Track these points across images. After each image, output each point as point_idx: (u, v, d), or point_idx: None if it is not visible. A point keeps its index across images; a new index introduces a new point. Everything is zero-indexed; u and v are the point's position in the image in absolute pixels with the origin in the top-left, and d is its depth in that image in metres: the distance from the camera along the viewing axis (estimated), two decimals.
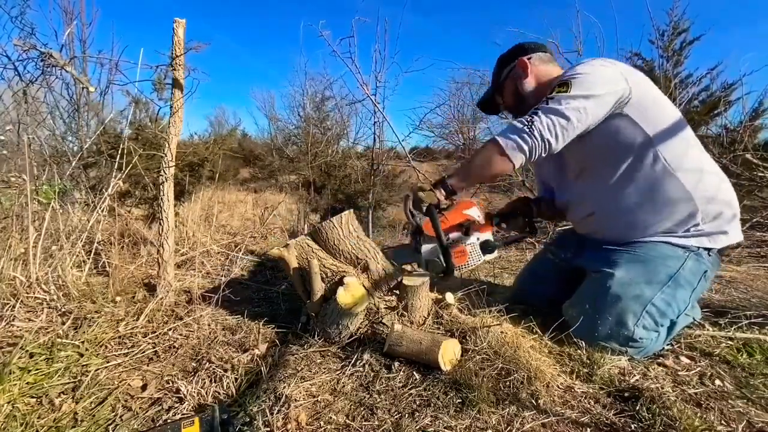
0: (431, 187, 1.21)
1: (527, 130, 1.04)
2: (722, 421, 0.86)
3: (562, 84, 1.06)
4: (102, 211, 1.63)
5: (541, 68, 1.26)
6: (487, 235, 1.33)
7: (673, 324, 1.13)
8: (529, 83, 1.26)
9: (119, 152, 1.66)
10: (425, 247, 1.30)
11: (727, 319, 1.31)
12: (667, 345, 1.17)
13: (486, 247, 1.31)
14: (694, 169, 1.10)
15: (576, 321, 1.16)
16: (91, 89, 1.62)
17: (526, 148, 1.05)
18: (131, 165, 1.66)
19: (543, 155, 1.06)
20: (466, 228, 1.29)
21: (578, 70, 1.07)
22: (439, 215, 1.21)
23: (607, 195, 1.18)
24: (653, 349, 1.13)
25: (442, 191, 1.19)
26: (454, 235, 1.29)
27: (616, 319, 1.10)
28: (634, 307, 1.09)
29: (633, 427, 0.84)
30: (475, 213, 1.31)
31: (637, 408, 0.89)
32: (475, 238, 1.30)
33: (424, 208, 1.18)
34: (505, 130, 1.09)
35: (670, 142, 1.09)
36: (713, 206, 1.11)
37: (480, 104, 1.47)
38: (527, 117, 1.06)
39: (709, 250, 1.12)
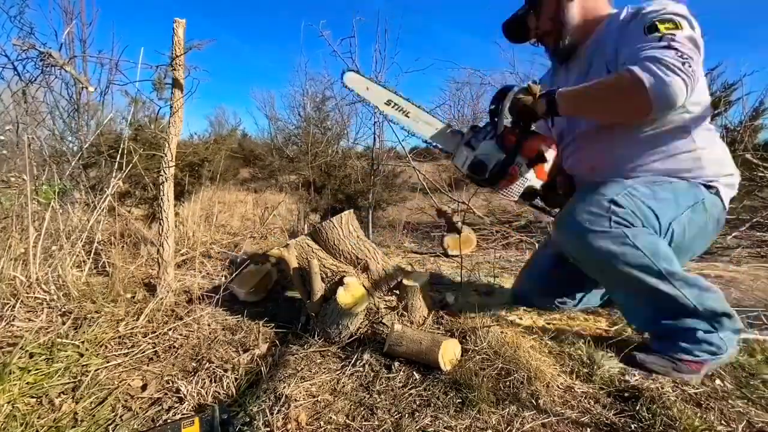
0: (537, 97, 1.06)
1: (686, 64, 0.86)
2: (722, 421, 0.86)
3: (673, 23, 0.92)
4: (102, 211, 1.63)
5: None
6: (538, 183, 1.17)
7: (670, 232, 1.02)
8: (575, 10, 1.08)
9: (119, 152, 1.66)
10: (485, 144, 1.13)
11: None
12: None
13: (527, 194, 1.17)
14: (708, 129, 1.07)
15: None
16: (91, 89, 1.62)
17: (678, 89, 0.86)
18: (131, 165, 1.66)
19: (683, 100, 0.89)
20: (536, 160, 1.14)
21: (674, 10, 0.95)
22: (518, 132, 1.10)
23: (628, 137, 1.05)
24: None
25: (545, 106, 1.04)
26: (521, 158, 1.13)
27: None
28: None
29: (633, 427, 0.84)
30: (551, 155, 1.15)
31: (637, 408, 0.89)
32: (530, 175, 1.15)
33: (515, 113, 1.06)
34: (655, 64, 0.88)
35: (700, 96, 1.02)
36: (719, 167, 1.07)
37: (506, 25, 1.20)
38: (678, 52, 0.88)
39: (719, 195, 1.06)
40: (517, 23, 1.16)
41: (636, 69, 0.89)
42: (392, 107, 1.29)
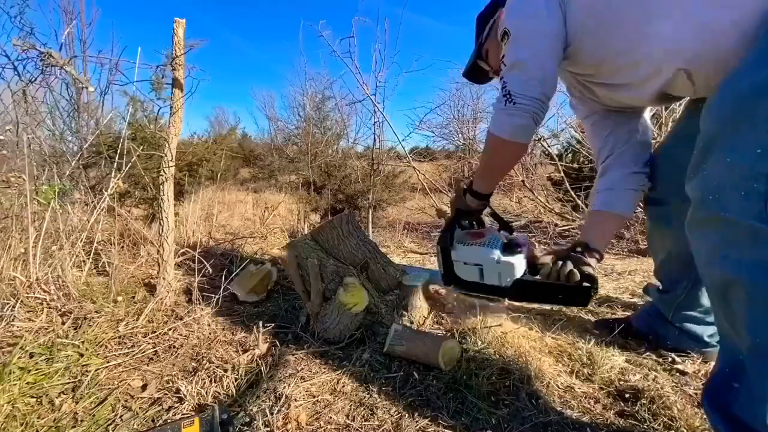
0: (462, 193, 1.11)
1: (511, 105, 0.90)
2: None
3: (503, 35, 0.92)
4: (102, 211, 1.63)
5: None
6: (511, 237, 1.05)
7: None
8: None
9: (118, 152, 1.66)
10: (459, 252, 1.03)
11: None
12: None
13: (507, 246, 0.98)
14: None
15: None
16: (91, 89, 1.62)
17: (523, 120, 0.90)
18: (130, 165, 1.66)
19: (547, 105, 0.91)
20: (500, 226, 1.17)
21: (508, 20, 0.93)
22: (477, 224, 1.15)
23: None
24: None
25: (474, 200, 1.10)
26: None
27: None
28: None
29: (633, 428, 0.84)
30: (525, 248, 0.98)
31: (637, 408, 0.89)
32: (501, 235, 1.03)
33: (451, 214, 1.11)
34: (493, 119, 0.95)
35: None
36: None
37: (465, 74, 1.24)
38: (501, 92, 0.92)
39: None
40: (474, 70, 1.19)
41: (490, 128, 0.97)
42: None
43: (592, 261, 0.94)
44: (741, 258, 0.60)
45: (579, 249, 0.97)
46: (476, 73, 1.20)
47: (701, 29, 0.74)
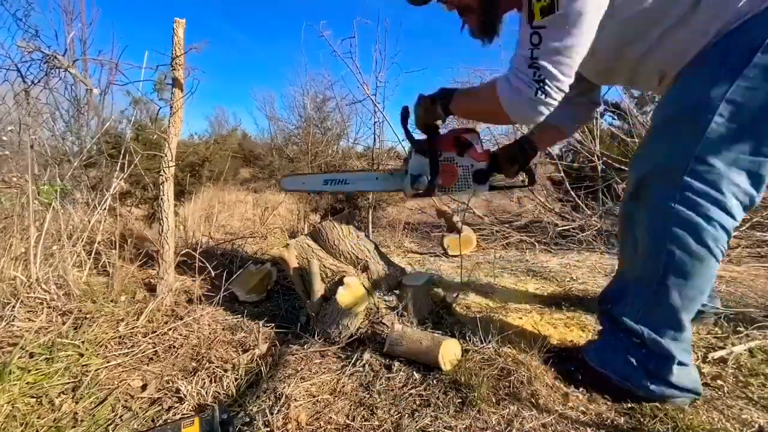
0: (431, 103, 1.10)
1: (542, 96, 0.84)
2: (722, 421, 0.86)
3: (549, 5, 0.77)
4: (103, 211, 1.64)
5: None
6: (482, 165, 1.21)
7: None
8: None
9: (120, 152, 1.66)
10: (413, 161, 1.20)
11: (726, 319, 1.31)
12: None
13: (479, 177, 1.20)
14: None
15: None
16: (95, 91, 1.62)
17: (540, 114, 0.88)
18: (132, 165, 1.66)
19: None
20: (462, 148, 1.20)
21: None
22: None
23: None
24: None
25: (440, 110, 1.09)
26: (448, 153, 1.20)
27: None
28: None
29: (633, 427, 0.84)
30: (475, 140, 1.21)
31: (637, 408, 0.89)
32: (469, 163, 1.21)
33: (422, 126, 1.14)
34: (512, 87, 0.87)
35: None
36: None
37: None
38: (532, 76, 0.83)
39: None
40: None
41: (498, 84, 0.91)
42: (330, 185, 1.37)
43: (532, 154, 1.25)
44: (655, 225, 0.87)
45: (527, 144, 1.25)
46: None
47: (685, 38, 0.85)
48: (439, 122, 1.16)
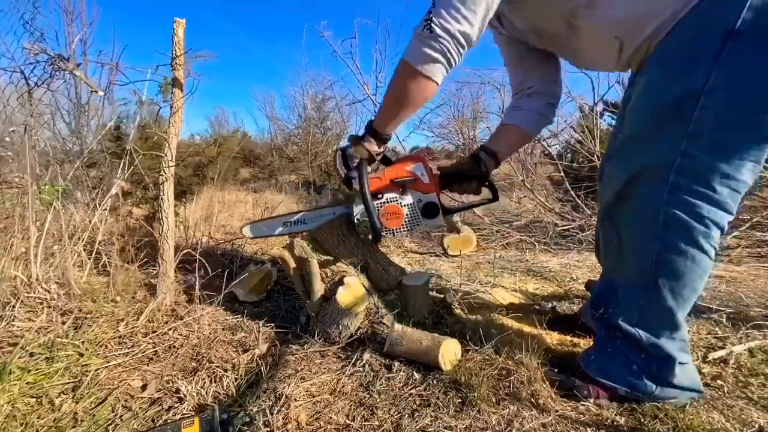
0: (359, 139, 1.08)
1: (428, 32, 0.87)
2: (722, 421, 0.86)
3: None
4: (104, 211, 1.63)
5: None
6: (431, 197, 1.15)
7: None
8: None
9: (124, 153, 1.66)
10: (356, 207, 1.17)
11: (727, 319, 1.31)
12: None
13: (428, 211, 1.14)
14: None
15: None
16: (100, 93, 1.63)
17: (437, 55, 0.88)
18: (134, 165, 1.66)
19: (464, 50, 0.91)
20: (404, 185, 1.13)
21: None
22: (374, 172, 1.11)
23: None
24: None
25: (372, 140, 1.06)
26: (390, 194, 1.14)
27: None
28: None
29: (633, 427, 0.84)
30: (419, 170, 1.14)
31: (638, 408, 0.89)
32: (414, 199, 1.15)
33: (354, 164, 1.06)
34: (408, 45, 0.93)
35: None
36: None
37: None
38: (424, 17, 0.89)
39: None
40: None
41: (404, 56, 0.93)
42: (289, 226, 1.38)
43: (490, 165, 1.21)
44: (643, 226, 0.85)
45: (483, 153, 1.20)
46: None
47: (646, 7, 0.83)
48: (375, 156, 1.09)
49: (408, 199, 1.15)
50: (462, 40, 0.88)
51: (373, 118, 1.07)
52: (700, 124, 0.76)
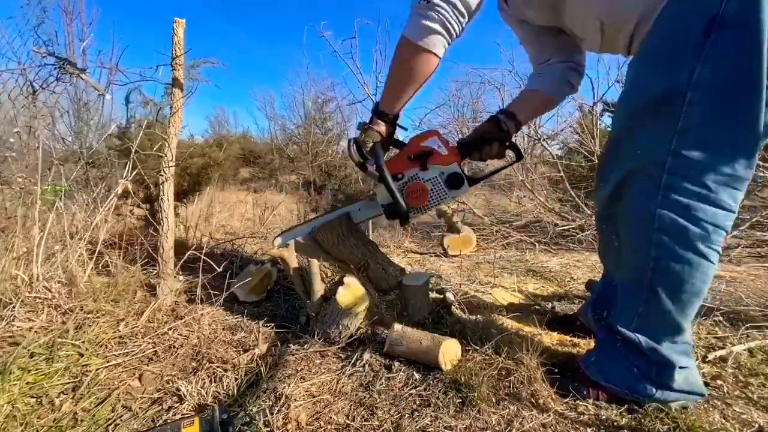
0: (368, 124, 1.06)
1: (425, 3, 0.86)
2: (722, 421, 0.86)
3: None
4: (108, 212, 1.63)
5: None
6: (453, 168, 1.12)
7: None
8: None
9: (126, 153, 1.66)
10: (378, 190, 1.13)
11: (726, 318, 1.31)
12: None
13: (453, 182, 1.11)
14: None
15: None
16: (108, 96, 1.63)
17: (437, 26, 0.86)
18: (138, 167, 1.66)
19: (465, 20, 0.89)
20: (423, 161, 1.10)
21: None
22: (389, 154, 1.10)
23: None
24: None
25: (380, 122, 1.04)
26: (410, 172, 1.11)
27: None
28: None
29: (633, 427, 0.84)
30: (435, 143, 1.11)
31: (638, 408, 0.89)
32: (436, 173, 1.12)
33: (368, 149, 1.03)
34: (407, 20, 0.91)
35: None
36: None
37: None
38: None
39: None
40: None
41: (404, 31, 0.91)
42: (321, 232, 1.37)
43: (511, 126, 1.15)
44: (637, 230, 0.84)
45: (503, 116, 1.16)
46: None
47: None
48: (383, 137, 1.07)
49: (429, 173, 1.11)
50: (460, 6, 0.86)
51: (377, 101, 1.06)
52: (688, 120, 0.73)
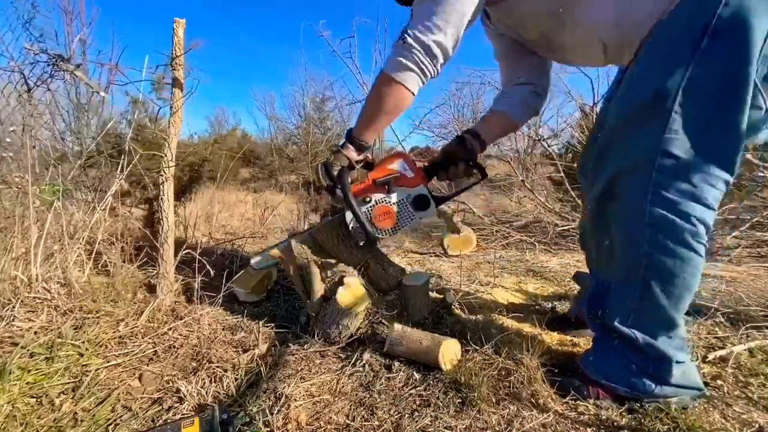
0: (339, 148, 1.10)
1: (402, 42, 0.91)
2: (722, 421, 0.86)
3: None
4: (104, 211, 1.63)
5: None
6: (419, 190, 1.15)
7: None
8: None
9: (121, 152, 1.66)
10: (347, 216, 1.15)
11: (727, 319, 1.31)
12: None
13: (419, 204, 1.14)
14: None
15: None
16: (103, 94, 1.63)
17: (410, 64, 0.91)
18: (131, 165, 1.66)
19: (438, 61, 0.93)
20: (388, 184, 1.13)
21: None
22: (359, 178, 1.12)
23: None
24: None
25: (351, 147, 1.08)
26: (377, 195, 1.13)
27: None
28: None
29: (633, 427, 0.84)
30: (401, 166, 1.14)
31: (638, 408, 0.89)
32: (403, 195, 1.14)
33: (336, 172, 1.06)
34: (387, 56, 0.97)
35: None
36: None
37: None
38: (403, 29, 0.93)
39: None
40: None
41: (383, 67, 0.97)
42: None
43: (476, 145, 1.19)
44: (630, 226, 0.85)
45: (468, 135, 1.20)
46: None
47: (623, 13, 0.86)
48: (355, 163, 1.10)
49: (396, 196, 1.14)
50: (435, 49, 0.91)
51: (350, 128, 1.10)
52: (678, 121, 0.77)
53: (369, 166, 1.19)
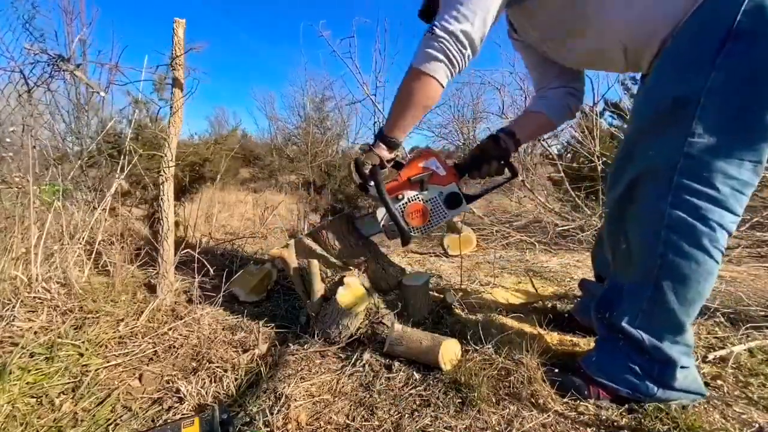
0: (370, 146, 1.10)
1: (430, 34, 0.91)
2: (722, 421, 0.86)
3: None
4: (104, 211, 1.63)
5: None
6: (451, 188, 1.16)
7: None
8: None
9: (121, 152, 1.66)
10: (379, 214, 1.17)
11: (727, 319, 1.31)
12: None
13: (452, 201, 1.15)
14: None
15: None
16: (102, 94, 1.63)
17: (438, 54, 0.91)
18: (131, 165, 1.66)
19: (466, 51, 0.93)
20: (422, 182, 1.14)
21: None
22: (390, 176, 1.12)
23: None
24: None
25: (382, 145, 1.08)
26: (410, 193, 1.14)
27: None
28: None
29: (633, 427, 0.84)
30: (434, 164, 1.15)
31: (638, 408, 0.89)
32: (435, 193, 1.15)
33: (367, 171, 1.06)
34: (415, 50, 0.96)
35: None
36: None
37: (420, 13, 1.12)
38: (431, 24, 0.93)
39: None
40: (426, 9, 1.08)
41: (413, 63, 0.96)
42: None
43: (510, 144, 1.20)
44: (648, 227, 0.85)
45: (503, 134, 1.20)
46: (429, 14, 1.08)
47: (644, 14, 0.86)
48: (386, 161, 1.10)
49: (429, 194, 1.15)
50: (462, 38, 0.90)
51: (381, 126, 1.10)
52: (701, 125, 0.77)
53: (397, 165, 1.19)
